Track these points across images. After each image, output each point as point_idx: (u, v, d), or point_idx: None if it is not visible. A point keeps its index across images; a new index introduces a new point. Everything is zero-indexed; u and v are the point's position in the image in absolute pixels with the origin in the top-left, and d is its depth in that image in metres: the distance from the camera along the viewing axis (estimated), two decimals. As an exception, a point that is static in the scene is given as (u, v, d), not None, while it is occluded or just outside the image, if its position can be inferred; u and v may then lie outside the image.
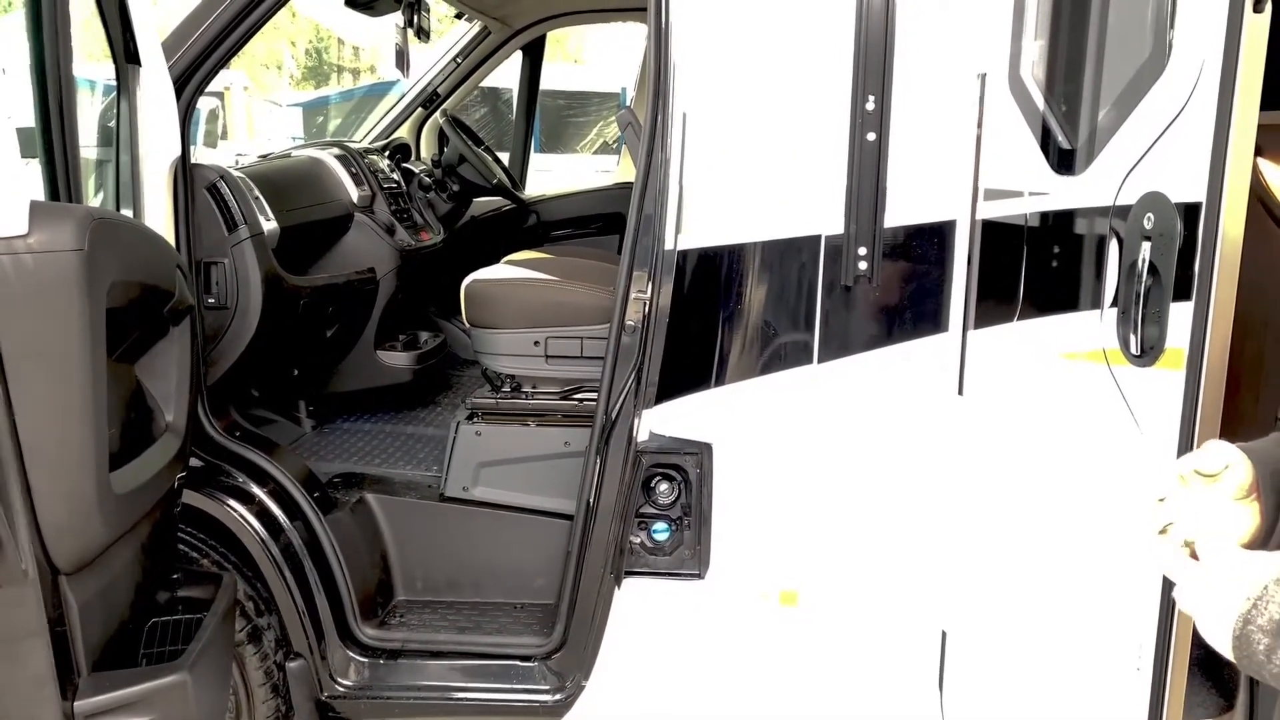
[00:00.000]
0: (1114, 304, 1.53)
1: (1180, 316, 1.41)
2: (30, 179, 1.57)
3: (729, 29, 2.11)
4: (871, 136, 2.04)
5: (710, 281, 2.20)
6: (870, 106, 2.03)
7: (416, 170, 3.78)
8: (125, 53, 2.09)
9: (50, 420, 1.39)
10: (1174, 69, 1.40)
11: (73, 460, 1.42)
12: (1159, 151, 1.43)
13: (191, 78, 2.33)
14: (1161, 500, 1.02)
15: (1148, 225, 1.44)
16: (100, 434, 1.46)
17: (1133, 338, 1.48)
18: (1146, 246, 1.44)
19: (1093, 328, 1.58)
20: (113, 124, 2.24)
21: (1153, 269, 1.42)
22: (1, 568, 1.35)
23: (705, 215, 2.16)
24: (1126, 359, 1.51)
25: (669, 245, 2.17)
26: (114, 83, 2.18)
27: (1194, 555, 0.95)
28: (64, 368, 1.38)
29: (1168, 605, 1.59)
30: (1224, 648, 0.89)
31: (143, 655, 1.79)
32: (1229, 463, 1.01)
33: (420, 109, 4.16)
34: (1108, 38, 1.63)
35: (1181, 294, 1.40)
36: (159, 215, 2.18)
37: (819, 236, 2.10)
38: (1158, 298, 1.43)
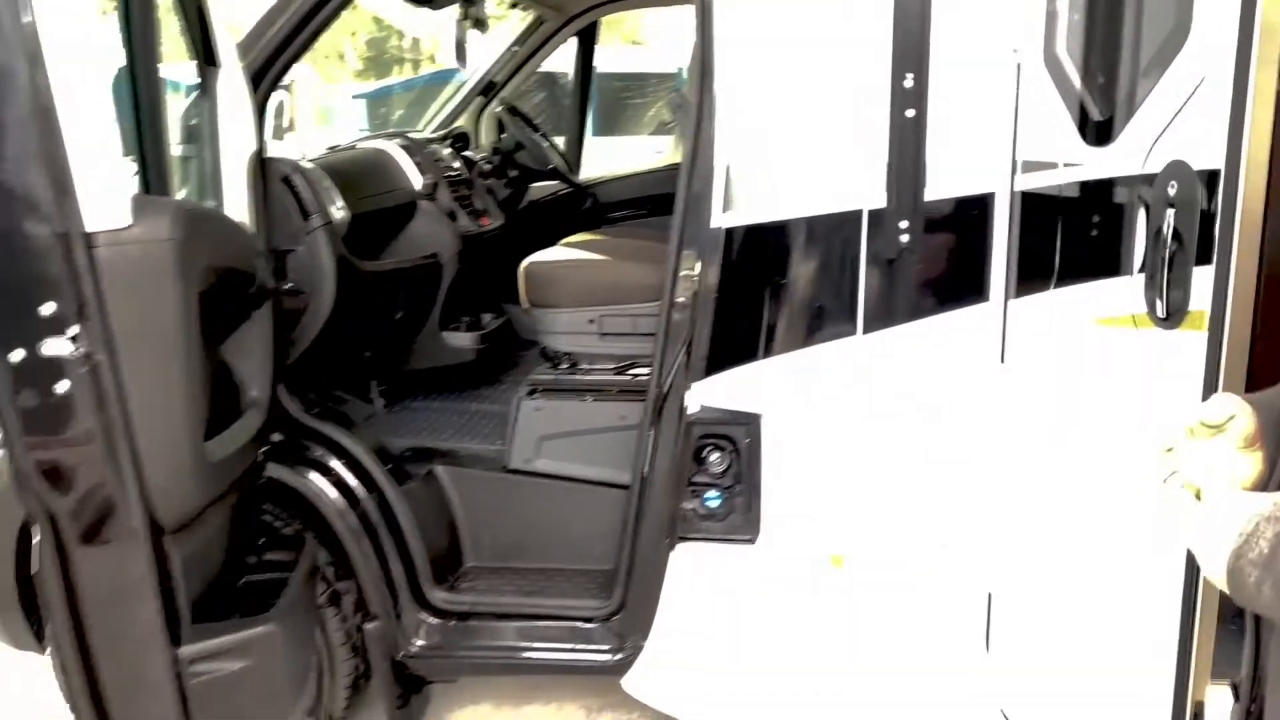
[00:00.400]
0: (1141, 270, 1.59)
1: (1203, 280, 1.46)
2: (127, 175, 1.72)
3: (770, 9, 2.19)
4: (910, 113, 2.10)
5: (756, 257, 2.29)
6: (909, 84, 2.09)
7: (476, 158, 3.92)
8: (205, 56, 2.24)
9: (153, 393, 1.54)
10: (1194, 41, 1.45)
11: (172, 429, 1.57)
12: (1182, 121, 1.48)
13: (265, 75, 2.49)
14: (1169, 450, 1.09)
15: (1171, 192, 1.49)
16: (195, 406, 1.61)
17: (1159, 302, 1.53)
18: (1170, 213, 1.49)
19: (1123, 293, 1.64)
20: (195, 122, 2.40)
21: (1176, 235, 1.48)
22: (114, 525, 1.51)
23: (750, 193, 2.24)
24: (1153, 322, 1.56)
25: (715, 223, 2.26)
26: (196, 84, 2.34)
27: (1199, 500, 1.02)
28: (163, 346, 1.54)
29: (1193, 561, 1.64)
30: (1220, 582, 0.96)
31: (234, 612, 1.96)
32: (1233, 413, 1.08)
33: (479, 98, 4.29)
34: (1134, 12, 1.67)
35: (1204, 259, 1.46)
36: (239, 206, 2.33)
37: (860, 211, 2.17)
38: (1181, 262, 1.49)
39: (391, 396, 3.35)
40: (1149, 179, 1.56)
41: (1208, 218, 1.42)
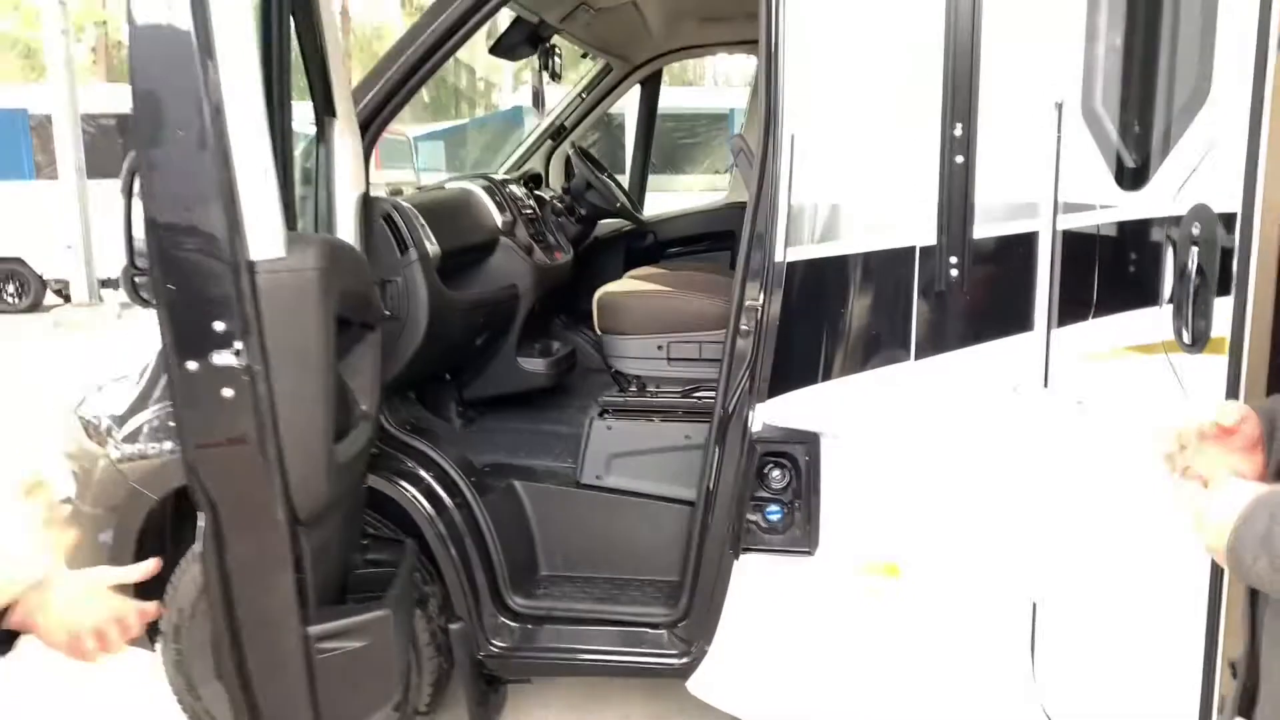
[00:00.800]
0: (1170, 301, 1.76)
1: (1223, 310, 1.63)
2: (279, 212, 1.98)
3: (832, 63, 2.42)
4: (960, 159, 2.31)
5: (816, 289, 2.49)
6: (958, 133, 2.30)
7: (548, 197, 4.19)
8: (325, 106, 2.52)
9: (296, 402, 1.78)
10: (1214, 100, 1.64)
11: (311, 434, 1.81)
12: (1204, 169, 1.67)
13: (373, 122, 2.77)
14: (1183, 448, 1.27)
15: (1195, 232, 1.67)
16: (330, 413, 1.85)
17: (1185, 330, 1.71)
18: (1195, 251, 1.67)
19: (1153, 323, 1.82)
20: (310, 164, 2.68)
21: (1200, 270, 1.65)
22: (262, 514, 1.74)
23: (811, 230, 2.46)
24: (1181, 348, 1.74)
25: (779, 258, 2.48)
26: (313, 130, 2.62)
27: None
28: (306, 361, 1.78)
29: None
30: (1220, 557, 1.14)
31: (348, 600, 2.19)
32: (1243, 416, 1.26)
33: (549, 140, 4.57)
34: (1162, 73, 1.87)
35: (1224, 291, 1.63)
36: (348, 241, 2.60)
37: (914, 248, 2.38)
38: (1205, 294, 1.66)
39: (468, 418, 3.60)
40: (1176, 220, 1.74)
41: (1226, 254, 1.60)
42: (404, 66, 2.71)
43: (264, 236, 1.70)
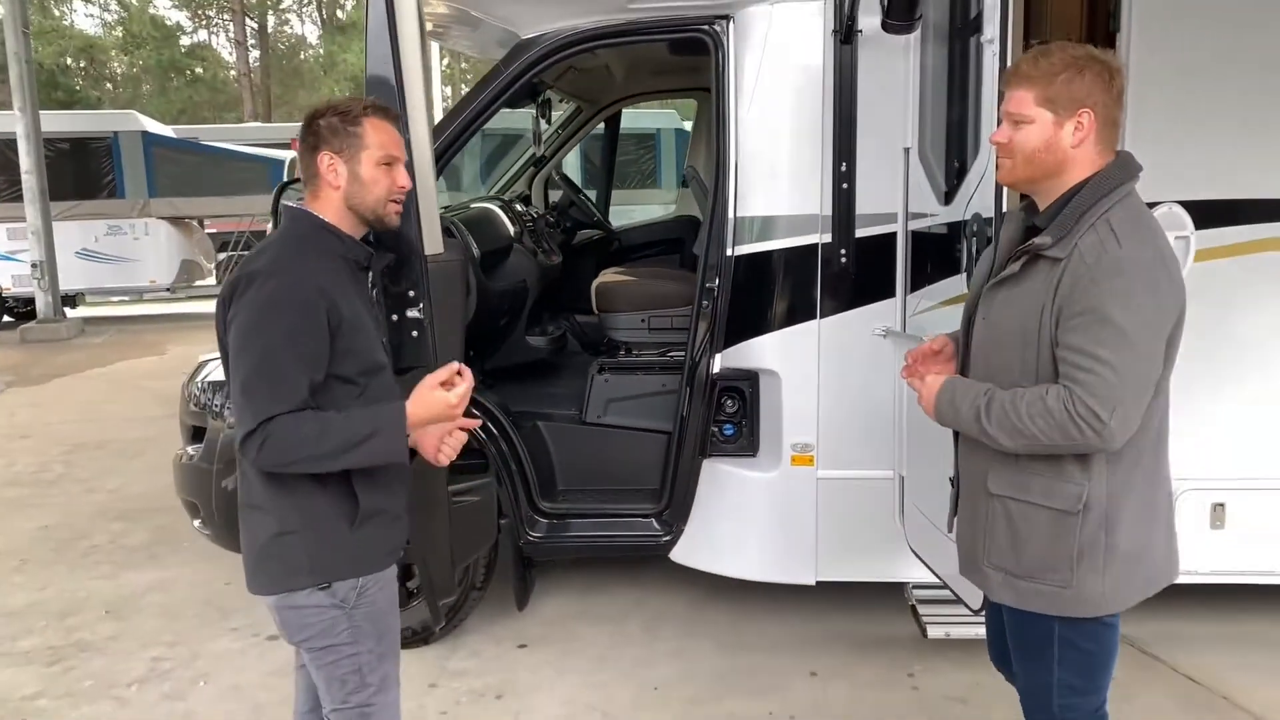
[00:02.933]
0: (964, 269, 2.97)
1: (989, 273, 2.86)
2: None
3: (761, 119, 3.62)
4: (845, 185, 3.54)
5: (754, 273, 3.69)
6: (844, 168, 3.54)
7: (537, 214, 5.33)
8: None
9: (448, 347, 2.87)
10: (981, 149, 2.85)
11: (453, 359, 2.93)
12: (979, 191, 2.87)
13: (441, 159, 3.86)
14: (916, 364, 2.39)
15: (974, 228, 2.88)
16: (462, 347, 2.96)
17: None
18: (974, 239, 2.88)
19: (959, 284, 3.03)
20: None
21: (978, 250, 2.86)
22: None
23: (750, 233, 3.66)
24: (970, 297, 2.97)
25: (729, 252, 3.68)
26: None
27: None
28: (453, 321, 2.90)
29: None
30: (935, 419, 2.26)
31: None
32: (944, 342, 2.39)
33: (531, 168, 5.72)
34: (959, 133, 3.10)
35: (989, 262, 2.85)
36: (428, 246, 3.70)
37: (817, 244, 3.60)
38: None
39: (487, 383, 4.69)
40: (966, 222, 2.95)
41: (986, 241, 2.80)
42: (455, 130, 3.81)
43: (432, 239, 2.78)
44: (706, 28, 3.65)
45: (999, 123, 2.71)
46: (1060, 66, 1.98)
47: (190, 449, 4.16)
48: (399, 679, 2.33)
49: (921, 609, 3.59)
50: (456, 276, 2.92)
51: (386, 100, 2.70)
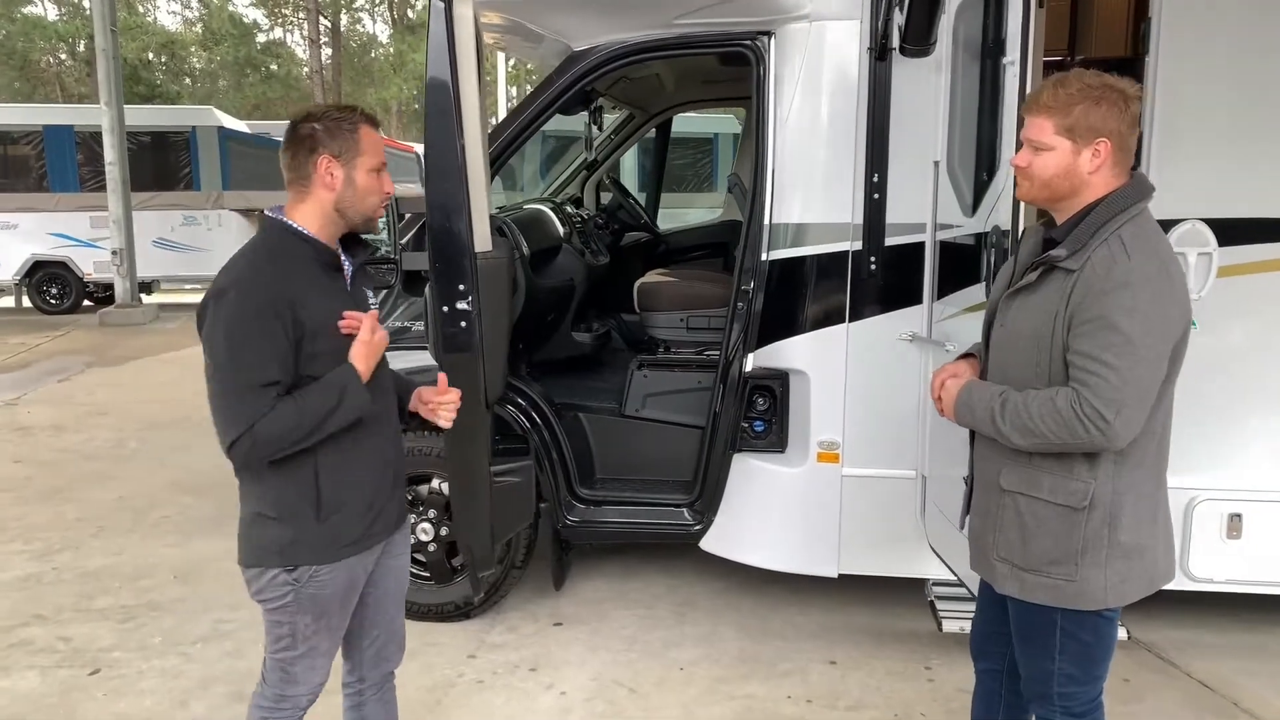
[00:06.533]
0: (984, 278, 3.12)
1: (1005, 282, 3.01)
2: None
3: (798, 132, 3.80)
4: (876, 196, 3.71)
5: (788, 277, 3.87)
6: (875, 179, 3.70)
7: (588, 215, 5.55)
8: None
9: (494, 337, 3.10)
10: (1002, 165, 3.00)
11: (498, 350, 3.14)
12: (998, 206, 3.02)
13: (496, 161, 4.10)
14: (943, 374, 2.55)
15: (993, 240, 3.03)
16: (508, 339, 3.19)
17: (989, 293, 3.08)
18: (993, 250, 3.03)
19: (980, 292, 3.18)
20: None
21: (996, 260, 3.00)
22: (474, 395, 3.03)
23: (784, 239, 3.84)
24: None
25: (764, 257, 3.86)
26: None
27: None
28: (497, 314, 3.12)
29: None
30: (955, 420, 2.42)
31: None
32: (971, 359, 2.55)
33: (584, 171, 5.94)
34: (984, 150, 3.24)
35: (1005, 272, 3.00)
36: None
37: (848, 251, 3.77)
38: (998, 274, 3.02)
39: (533, 375, 4.93)
40: (987, 233, 3.10)
41: (1004, 253, 2.94)
42: (510, 135, 4.05)
43: (481, 238, 3.02)
44: (749, 42, 3.84)
45: (1018, 145, 2.91)
46: (1079, 97, 2.13)
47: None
48: (329, 654, 2.44)
49: (940, 604, 3.72)
50: (504, 272, 3.16)
51: (444, 106, 2.95)
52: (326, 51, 39.50)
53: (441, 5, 2.83)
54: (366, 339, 2.24)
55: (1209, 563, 3.69)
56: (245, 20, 39.43)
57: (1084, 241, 2.13)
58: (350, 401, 2.19)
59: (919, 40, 3.30)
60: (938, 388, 2.47)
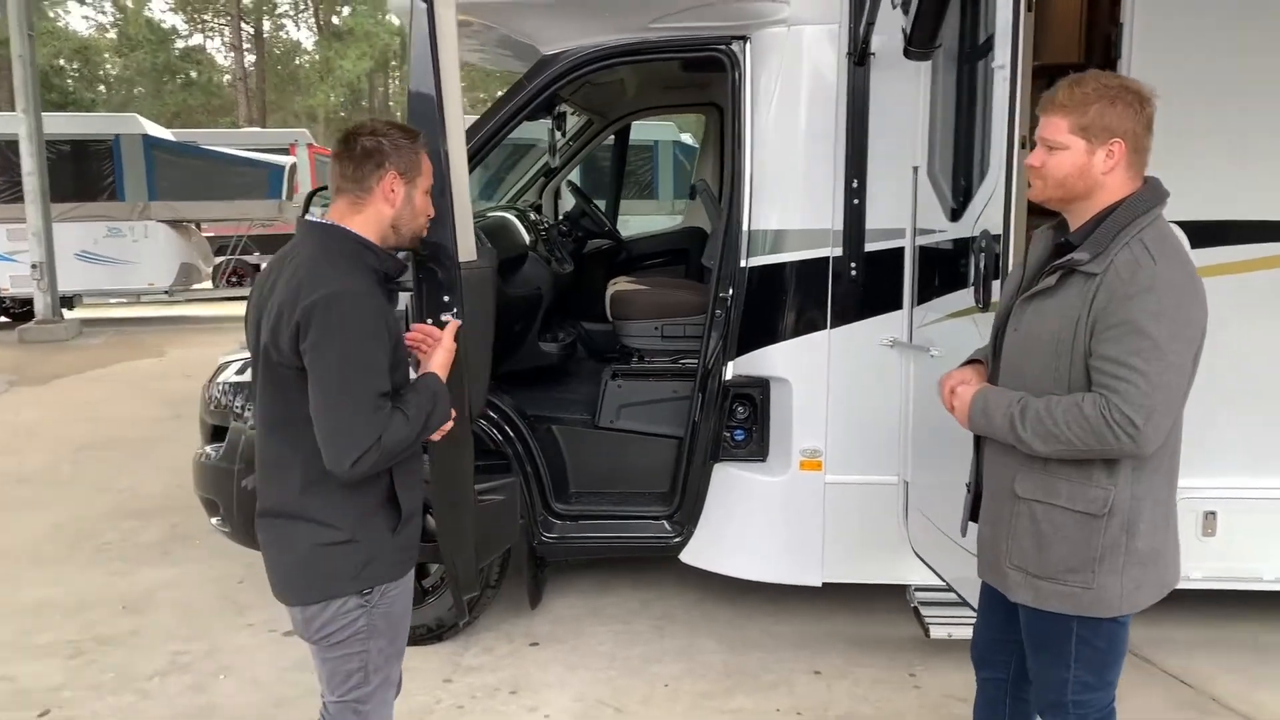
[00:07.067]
0: (971, 283, 3.10)
1: (996, 287, 2.98)
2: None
3: (777, 136, 3.76)
4: (856, 201, 3.68)
5: (767, 284, 3.82)
6: (855, 185, 3.68)
7: (549, 223, 5.45)
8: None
9: (477, 350, 2.99)
10: (991, 170, 2.99)
11: (482, 373, 3.03)
12: (987, 209, 3.01)
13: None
14: (951, 380, 2.52)
15: (983, 244, 3.02)
16: (490, 350, 3.08)
17: (979, 299, 3.05)
18: (982, 255, 3.01)
19: (967, 297, 3.16)
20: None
21: (984, 265, 2.99)
22: (459, 408, 2.92)
23: (763, 245, 3.80)
24: (978, 310, 3.07)
25: (743, 264, 3.81)
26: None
27: None
28: (483, 323, 3.00)
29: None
30: (969, 427, 2.39)
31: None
32: (978, 365, 2.54)
33: (543, 178, 5.84)
34: (968, 155, 3.24)
35: (996, 276, 2.97)
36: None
37: (828, 257, 3.74)
38: (987, 279, 3.00)
39: (501, 388, 4.80)
40: (974, 238, 3.09)
41: (996, 257, 2.93)
42: (479, 142, 3.92)
43: (467, 248, 2.90)
44: (724, 47, 3.79)
45: (1022, 145, 2.88)
46: (1094, 96, 2.11)
47: (210, 449, 4.27)
48: (399, 682, 2.41)
49: (924, 610, 3.71)
50: (488, 283, 3.05)
51: (428, 115, 2.83)
52: (250, 58, 38.56)
53: (424, 5, 2.71)
54: (450, 347, 2.38)
55: (1186, 562, 3.71)
56: (163, 26, 38.26)
57: (1105, 245, 2.11)
58: (442, 408, 2.23)
59: (924, 43, 3.28)
60: (948, 395, 2.44)
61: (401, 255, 3.09)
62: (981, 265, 3.04)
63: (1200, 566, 3.74)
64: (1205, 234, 3.51)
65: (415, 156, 2.26)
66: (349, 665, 2.25)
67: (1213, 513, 3.69)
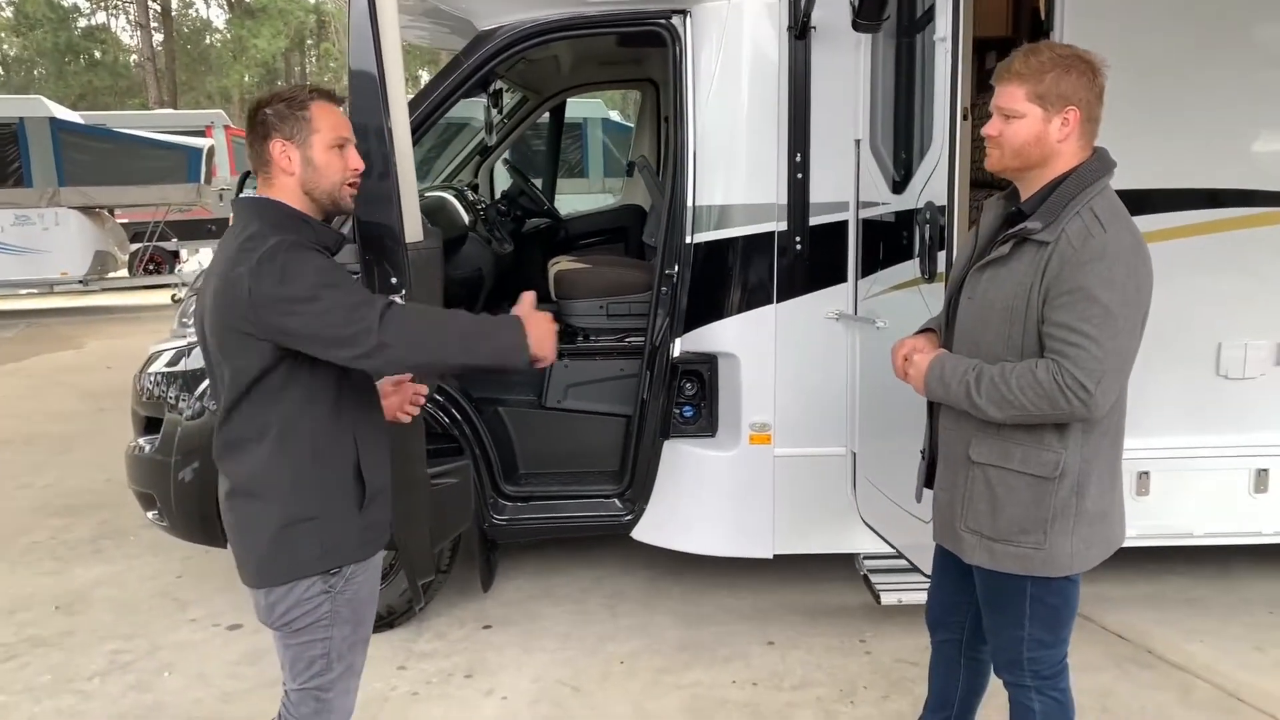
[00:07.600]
0: (917, 255, 3.15)
1: (942, 258, 3.03)
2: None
3: (720, 111, 3.75)
4: (799, 175, 3.70)
5: (713, 260, 3.83)
6: (798, 159, 3.69)
7: (488, 202, 5.37)
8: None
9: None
10: (934, 143, 3.03)
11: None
12: (931, 182, 3.05)
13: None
14: (904, 348, 2.56)
15: (927, 216, 3.06)
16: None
17: (924, 271, 3.09)
18: (927, 227, 3.06)
19: (912, 269, 3.21)
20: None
21: (929, 237, 3.04)
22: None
23: (709, 221, 3.80)
24: (923, 282, 3.12)
25: (688, 240, 3.81)
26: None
27: None
28: (433, 299, 2.95)
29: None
30: (925, 395, 2.43)
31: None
32: (930, 334, 2.58)
33: (478, 156, 5.75)
34: (911, 128, 3.28)
35: (941, 247, 3.02)
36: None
37: (774, 231, 3.75)
38: (933, 251, 3.05)
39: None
40: (918, 210, 3.13)
41: (941, 228, 2.97)
42: (416, 120, 3.81)
43: (413, 229, 2.84)
44: (664, 21, 3.76)
45: (964, 117, 2.92)
46: (1050, 65, 2.15)
47: (143, 441, 4.12)
48: (359, 672, 2.36)
49: (874, 578, 3.78)
50: (436, 263, 2.99)
51: (370, 93, 2.76)
52: (158, 37, 37.14)
53: (364, -17, 2.64)
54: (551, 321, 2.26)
55: (1121, 520, 3.87)
56: (63, 4, 36.61)
57: (1056, 214, 2.15)
58: (507, 337, 2.12)
59: (873, 14, 3.29)
60: (901, 363, 2.47)
61: (346, 230, 3.04)
62: (926, 237, 3.08)
63: (1135, 524, 3.84)
64: (1132, 202, 3.60)
65: (302, 115, 2.11)
66: (312, 651, 2.21)
67: (1146, 473, 3.83)
